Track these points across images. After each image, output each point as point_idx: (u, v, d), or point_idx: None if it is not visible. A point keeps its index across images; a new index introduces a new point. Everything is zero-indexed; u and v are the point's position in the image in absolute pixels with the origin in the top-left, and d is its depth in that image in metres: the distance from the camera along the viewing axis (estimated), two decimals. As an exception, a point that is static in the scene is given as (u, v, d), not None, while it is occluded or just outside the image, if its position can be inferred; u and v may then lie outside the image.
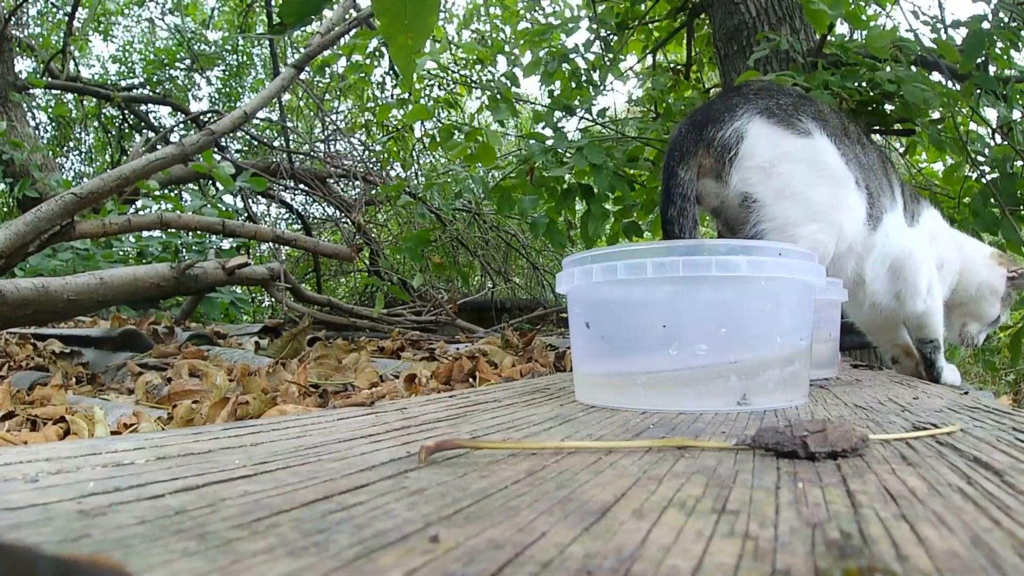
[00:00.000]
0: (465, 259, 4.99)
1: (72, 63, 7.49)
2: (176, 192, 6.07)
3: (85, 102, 7.66)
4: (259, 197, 6.43)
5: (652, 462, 0.42)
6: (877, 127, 2.96)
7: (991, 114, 2.77)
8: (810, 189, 1.16)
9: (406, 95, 3.79)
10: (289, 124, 6.26)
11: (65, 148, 8.11)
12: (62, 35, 7.30)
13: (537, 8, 4.74)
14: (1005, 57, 2.75)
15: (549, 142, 2.79)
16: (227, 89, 8.51)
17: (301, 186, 5.77)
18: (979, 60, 2.54)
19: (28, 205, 4.33)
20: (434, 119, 4.18)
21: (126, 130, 7.76)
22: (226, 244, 4.70)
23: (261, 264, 3.10)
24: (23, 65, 7.34)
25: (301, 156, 5.70)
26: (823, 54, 2.71)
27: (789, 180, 1.16)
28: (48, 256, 3.41)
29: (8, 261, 1.95)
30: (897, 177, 1.42)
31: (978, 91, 2.51)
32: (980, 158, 2.69)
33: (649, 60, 4.54)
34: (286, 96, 5.80)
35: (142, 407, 1.19)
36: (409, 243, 3.01)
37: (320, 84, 5.87)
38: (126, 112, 7.47)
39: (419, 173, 5.57)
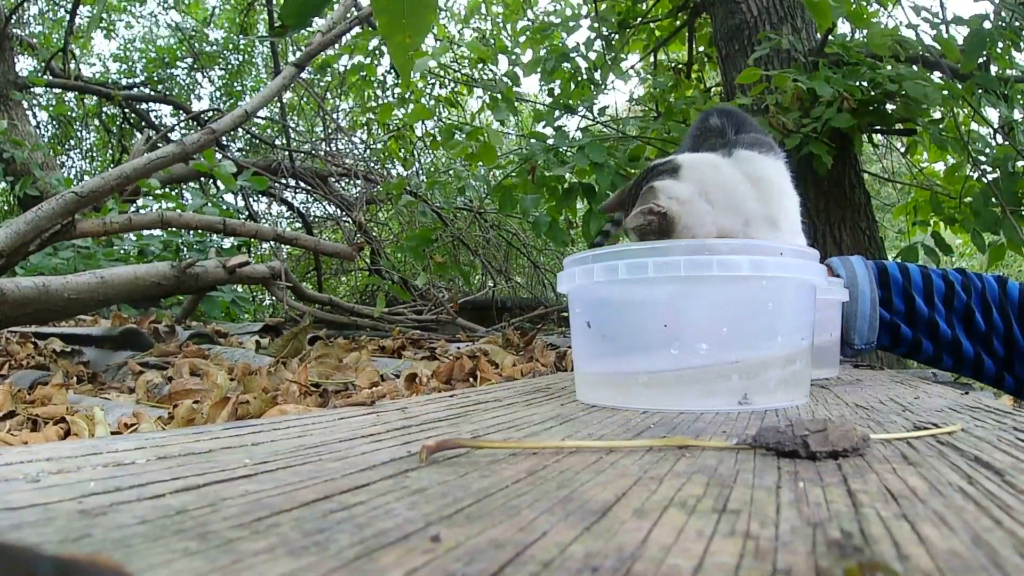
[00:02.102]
0: (466, 258, 5.00)
1: (73, 62, 7.49)
2: (177, 191, 6.07)
3: (86, 101, 7.66)
4: (260, 196, 6.44)
5: (653, 461, 0.42)
6: (879, 127, 2.97)
7: (992, 114, 2.76)
8: None
9: (407, 94, 3.79)
10: (290, 123, 6.26)
11: (66, 147, 8.12)
12: (63, 34, 7.30)
13: (534, 6, 4.73)
14: (1007, 57, 2.75)
15: (550, 141, 2.79)
16: (228, 88, 8.50)
17: (302, 185, 5.77)
18: (981, 60, 2.53)
19: (29, 203, 4.33)
20: (435, 119, 4.19)
21: (127, 129, 7.76)
22: (227, 243, 4.70)
23: (262, 263, 3.11)
24: (24, 64, 7.34)
25: (302, 155, 5.70)
26: (825, 53, 2.71)
27: None
28: (49, 255, 3.41)
29: (9, 260, 1.95)
30: None
31: (979, 91, 2.51)
32: (981, 158, 2.69)
33: (650, 59, 4.53)
34: (287, 94, 5.80)
35: (143, 406, 1.19)
36: (410, 242, 3.02)
37: (321, 83, 5.88)
38: (127, 111, 7.47)
39: (420, 172, 5.57)
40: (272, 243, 4.78)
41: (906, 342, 1.19)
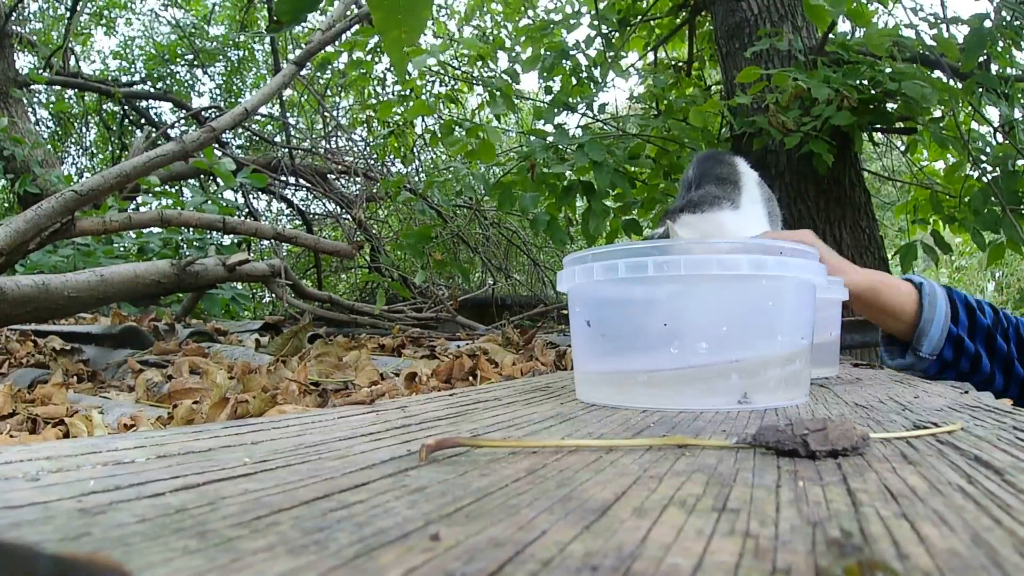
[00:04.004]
0: (466, 256, 4.99)
1: (73, 59, 7.49)
2: (177, 188, 6.07)
3: (86, 98, 7.66)
4: (260, 193, 6.44)
5: (653, 460, 0.42)
6: (879, 125, 2.96)
7: (993, 113, 2.76)
8: None
9: (407, 91, 3.78)
10: (290, 120, 6.26)
11: (66, 144, 8.12)
12: (63, 31, 7.29)
13: (534, 5, 4.72)
14: (1007, 56, 2.75)
15: (550, 139, 2.78)
16: (228, 84, 8.50)
17: (302, 182, 5.77)
18: (981, 59, 2.53)
19: (29, 201, 4.33)
20: (435, 116, 4.18)
21: (127, 126, 7.76)
22: (227, 240, 4.69)
23: (262, 260, 3.11)
24: (24, 61, 7.34)
25: (302, 152, 5.69)
26: (825, 52, 2.70)
27: None
28: (49, 252, 3.41)
29: (9, 258, 1.95)
30: None
31: (980, 90, 2.51)
32: (981, 157, 2.68)
33: (650, 57, 4.53)
34: (287, 92, 5.79)
35: (142, 405, 1.19)
36: (410, 240, 3.01)
37: (321, 81, 5.87)
38: (127, 108, 7.46)
39: (419, 170, 5.56)
40: (272, 241, 4.79)
41: (968, 355, 1.23)
